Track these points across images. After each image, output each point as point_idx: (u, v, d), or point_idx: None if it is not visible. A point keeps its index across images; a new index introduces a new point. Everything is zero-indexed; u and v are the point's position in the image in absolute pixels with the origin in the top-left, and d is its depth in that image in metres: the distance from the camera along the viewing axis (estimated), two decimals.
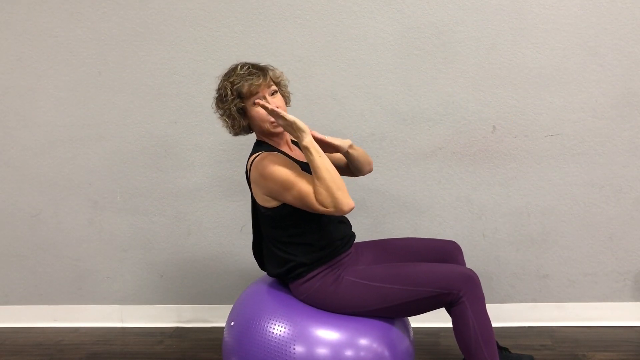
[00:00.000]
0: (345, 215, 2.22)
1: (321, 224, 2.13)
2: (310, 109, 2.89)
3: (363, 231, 2.88)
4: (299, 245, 2.12)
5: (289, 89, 2.27)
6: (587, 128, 2.78)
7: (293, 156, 2.19)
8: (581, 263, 2.88)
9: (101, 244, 3.15)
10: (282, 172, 2.00)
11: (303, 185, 1.97)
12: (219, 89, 2.17)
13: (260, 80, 2.10)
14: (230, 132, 2.20)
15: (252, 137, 2.82)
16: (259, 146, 2.20)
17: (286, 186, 1.99)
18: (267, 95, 2.12)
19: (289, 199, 2.01)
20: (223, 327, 2.25)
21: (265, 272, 2.31)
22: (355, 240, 2.30)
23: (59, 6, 2.95)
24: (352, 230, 2.30)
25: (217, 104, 2.19)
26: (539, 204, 2.85)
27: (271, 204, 2.08)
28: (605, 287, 2.88)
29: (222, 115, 2.18)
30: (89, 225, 3.14)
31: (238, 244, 3.05)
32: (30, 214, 3.17)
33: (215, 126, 2.96)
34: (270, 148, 2.17)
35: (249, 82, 2.09)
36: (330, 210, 1.94)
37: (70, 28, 2.97)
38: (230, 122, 2.16)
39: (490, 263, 2.91)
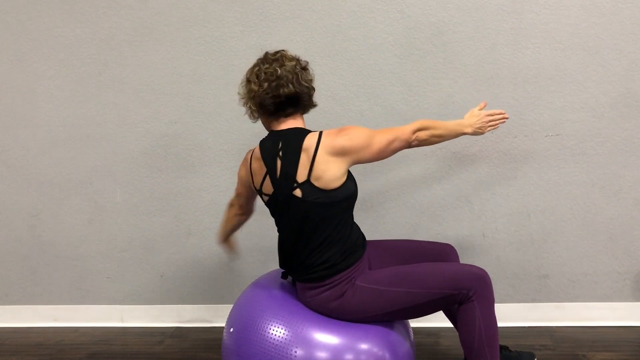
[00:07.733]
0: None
1: (343, 222, 2.09)
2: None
3: (363, 231, 2.86)
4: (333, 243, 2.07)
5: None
6: (587, 128, 2.77)
7: None
8: (581, 263, 2.88)
9: (101, 244, 3.15)
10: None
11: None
12: (242, 84, 2.18)
13: None
14: None
15: (249, 137, 2.82)
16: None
17: None
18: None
19: None
20: (223, 327, 2.24)
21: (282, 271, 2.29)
22: None
23: (59, 6, 2.95)
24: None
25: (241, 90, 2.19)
26: (539, 204, 2.85)
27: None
28: (605, 287, 2.88)
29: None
30: (89, 225, 3.14)
31: (238, 243, 3.05)
32: (30, 214, 3.16)
33: (215, 126, 2.96)
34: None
35: None
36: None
37: (70, 28, 2.97)
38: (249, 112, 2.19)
39: (490, 263, 2.91)
